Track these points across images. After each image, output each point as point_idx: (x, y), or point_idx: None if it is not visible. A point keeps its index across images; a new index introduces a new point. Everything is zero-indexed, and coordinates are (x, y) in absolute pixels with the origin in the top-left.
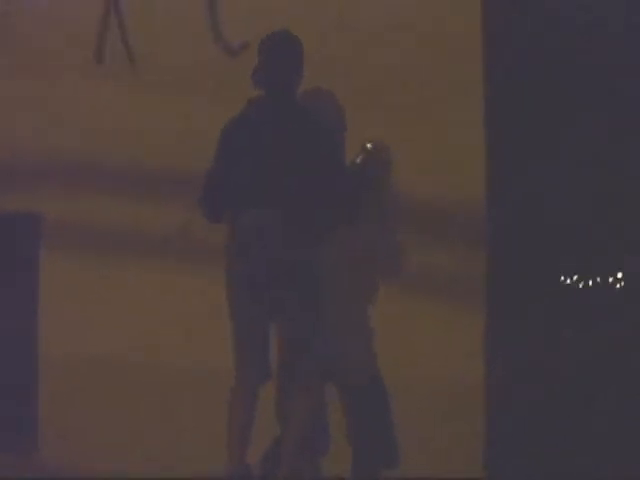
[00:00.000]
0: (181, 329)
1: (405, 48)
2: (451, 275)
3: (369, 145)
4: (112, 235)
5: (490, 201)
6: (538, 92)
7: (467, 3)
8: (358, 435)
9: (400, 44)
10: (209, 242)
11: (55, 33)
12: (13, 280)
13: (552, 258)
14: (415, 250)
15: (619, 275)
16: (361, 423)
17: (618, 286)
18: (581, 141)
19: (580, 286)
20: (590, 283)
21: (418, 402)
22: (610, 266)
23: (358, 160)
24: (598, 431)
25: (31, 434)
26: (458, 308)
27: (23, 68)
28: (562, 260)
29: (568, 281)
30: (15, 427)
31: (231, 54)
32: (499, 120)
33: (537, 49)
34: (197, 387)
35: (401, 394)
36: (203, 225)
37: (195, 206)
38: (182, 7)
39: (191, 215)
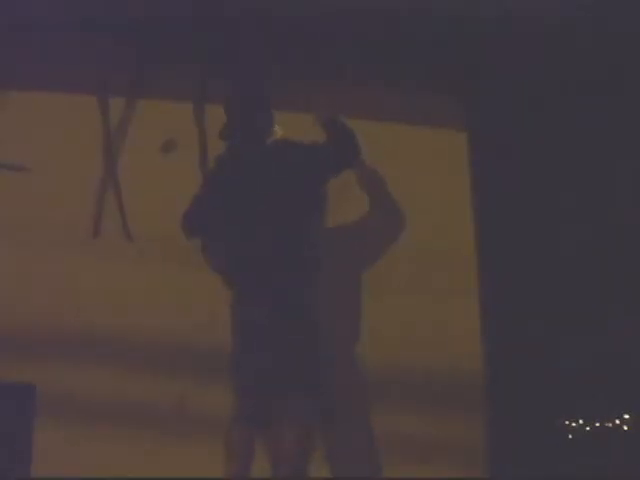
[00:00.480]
0: None
1: None
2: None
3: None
4: (107, 407)
5: None
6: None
7: None
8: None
9: None
10: (205, 416)
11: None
12: None
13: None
14: None
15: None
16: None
17: None
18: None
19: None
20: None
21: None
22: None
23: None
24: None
25: None
26: None
27: (23, 244)
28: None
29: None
30: None
31: None
32: None
33: None
34: None
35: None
36: (199, 399)
37: (192, 380)
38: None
39: (188, 389)
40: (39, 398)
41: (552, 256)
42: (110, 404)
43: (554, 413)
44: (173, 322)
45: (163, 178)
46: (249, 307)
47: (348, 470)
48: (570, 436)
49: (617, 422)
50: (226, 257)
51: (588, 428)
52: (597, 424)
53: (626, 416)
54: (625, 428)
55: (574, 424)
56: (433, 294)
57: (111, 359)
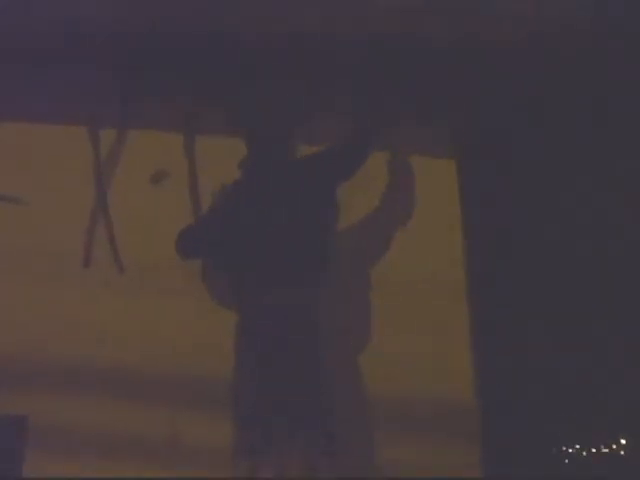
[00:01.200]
0: None
1: None
2: None
3: None
4: (100, 439)
5: None
6: None
7: None
8: None
9: None
10: (197, 449)
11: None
12: None
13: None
14: None
15: None
16: None
17: None
18: None
19: None
20: None
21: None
22: None
23: None
24: None
25: None
26: None
27: (14, 274)
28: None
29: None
30: None
31: None
32: None
33: None
34: None
35: None
36: (192, 432)
37: (184, 411)
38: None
39: (180, 422)
40: (31, 429)
41: (544, 281)
42: (103, 435)
43: (550, 439)
44: (166, 352)
45: (154, 208)
46: (252, 336)
47: None
48: (567, 461)
49: (614, 447)
50: (229, 282)
51: (585, 453)
52: (594, 450)
53: (623, 441)
54: (622, 453)
55: (571, 450)
56: (425, 323)
57: (104, 390)
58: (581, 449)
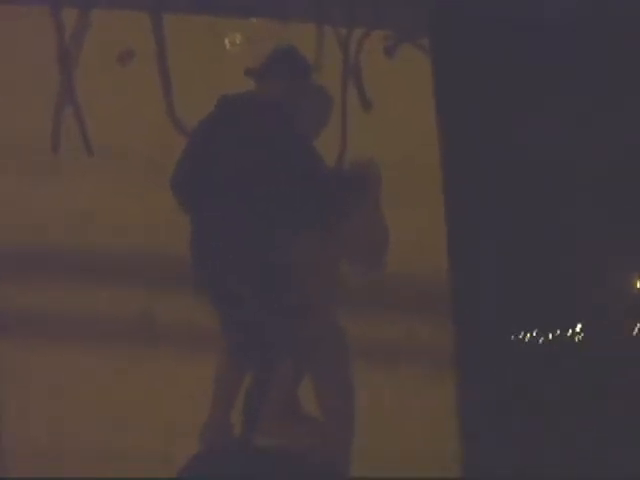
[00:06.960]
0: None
1: None
2: None
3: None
4: (70, 320)
5: None
6: None
7: None
8: None
9: None
10: (171, 327)
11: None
12: None
13: None
14: None
15: None
16: None
17: None
18: None
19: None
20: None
21: None
22: None
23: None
24: None
25: None
26: None
27: None
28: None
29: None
30: None
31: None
32: None
33: None
34: None
35: None
36: (165, 310)
37: (157, 291)
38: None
39: (153, 300)
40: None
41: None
42: (76, 319)
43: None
44: (135, 235)
45: (121, 89)
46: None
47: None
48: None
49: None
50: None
51: (542, 340)
52: (550, 335)
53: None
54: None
55: (528, 335)
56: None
57: (78, 272)
58: (538, 335)
